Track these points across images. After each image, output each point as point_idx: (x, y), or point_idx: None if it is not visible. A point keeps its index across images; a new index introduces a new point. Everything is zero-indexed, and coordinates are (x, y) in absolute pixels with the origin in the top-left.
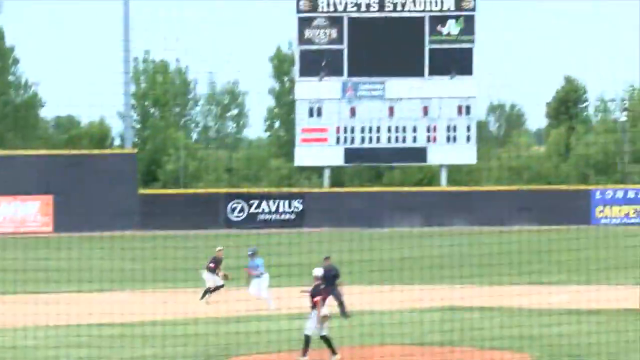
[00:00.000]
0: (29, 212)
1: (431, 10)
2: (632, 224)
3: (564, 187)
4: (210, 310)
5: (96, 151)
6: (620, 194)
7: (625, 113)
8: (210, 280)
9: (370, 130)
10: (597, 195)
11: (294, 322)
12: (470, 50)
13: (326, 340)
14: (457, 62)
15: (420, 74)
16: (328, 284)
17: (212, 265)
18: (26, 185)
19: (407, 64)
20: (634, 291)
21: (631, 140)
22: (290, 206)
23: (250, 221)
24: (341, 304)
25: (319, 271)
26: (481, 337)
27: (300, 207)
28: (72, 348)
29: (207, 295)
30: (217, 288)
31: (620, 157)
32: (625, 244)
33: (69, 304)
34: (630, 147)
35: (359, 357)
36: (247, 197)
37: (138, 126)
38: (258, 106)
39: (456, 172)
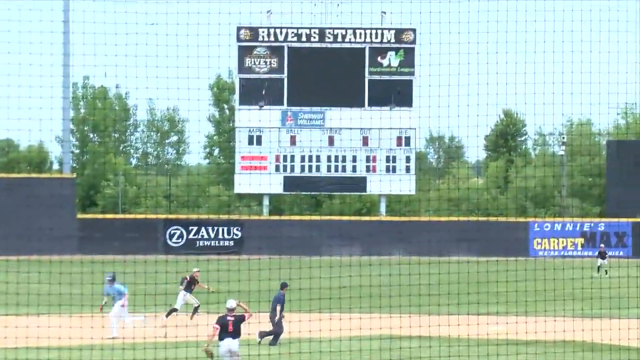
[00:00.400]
0: None
1: (371, 42)
2: (570, 256)
3: (502, 219)
4: (156, 334)
5: (35, 175)
6: (558, 227)
7: (563, 147)
8: (181, 300)
9: (310, 159)
10: (536, 228)
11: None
12: (410, 82)
13: None
14: (396, 94)
15: (360, 104)
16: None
17: (186, 283)
18: None
19: (347, 94)
20: (571, 323)
21: (569, 174)
22: (229, 233)
23: (189, 247)
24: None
25: (230, 303)
26: None
27: (239, 234)
28: None
29: (172, 315)
30: (195, 310)
31: (558, 190)
32: (563, 276)
33: (5, 327)
34: (568, 180)
35: None
36: (185, 223)
37: (77, 151)
38: (198, 133)
39: (395, 202)
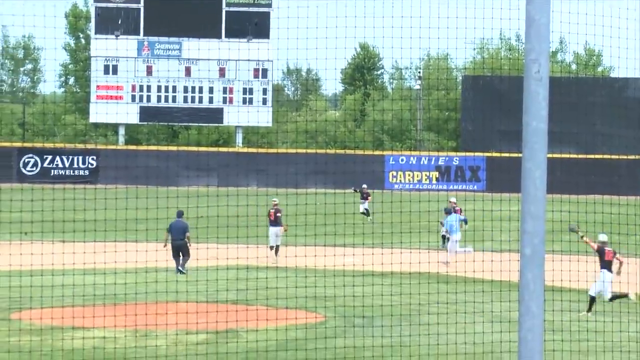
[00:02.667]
0: None
1: None
2: (425, 189)
3: (359, 152)
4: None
5: None
6: (413, 160)
7: (419, 81)
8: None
9: (167, 89)
10: (391, 161)
11: (88, 277)
12: (267, 14)
13: None
14: (254, 25)
15: (217, 35)
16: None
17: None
18: None
19: (204, 25)
20: (426, 255)
21: (424, 108)
22: (84, 162)
23: (44, 176)
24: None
25: None
26: (275, 296)
27: (95, 163)
28: None
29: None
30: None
31: (413, 124)
32: (418, 209)
33: None
34: (424, 114)
35: (152, 313)
36: (40, 152)
37: None
38: (53, 62)
39: (252, 134)
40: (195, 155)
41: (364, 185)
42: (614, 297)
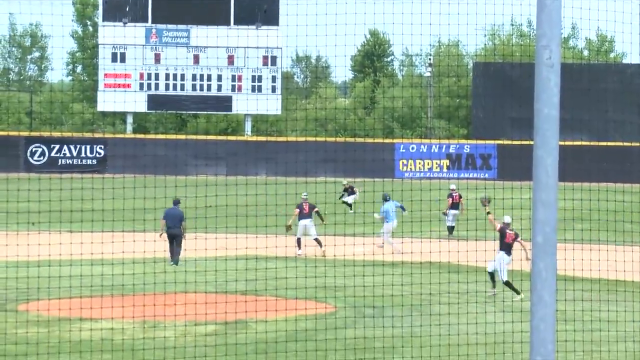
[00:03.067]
0: None
1: None
2: (435, 178)
3: (369, 140)
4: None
5: None
6: (424, 148)
7: (430, 68)
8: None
9: (175, 77)
10: (401, 149)
11: (96, 268)
12: (276, 1)
13: None
14: (262, 12)
15: (226, 23)
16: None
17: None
18: None
19: (212, 12)
20: (436, 244)
21: (435, 96)
22: (92, 151)
23: (51, 165)
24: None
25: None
26: (285, 286)
27: (103, 152)
28: None
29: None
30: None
31: (424, 111)
32: (428, 197)
33: None
34: (434, 102)
35: (161, 304)
36: (47, 141)
37: None
38: (60, 49)
39: (261, 122)
40: (204, 144)
41: (345, 182)
42: (509, 285)
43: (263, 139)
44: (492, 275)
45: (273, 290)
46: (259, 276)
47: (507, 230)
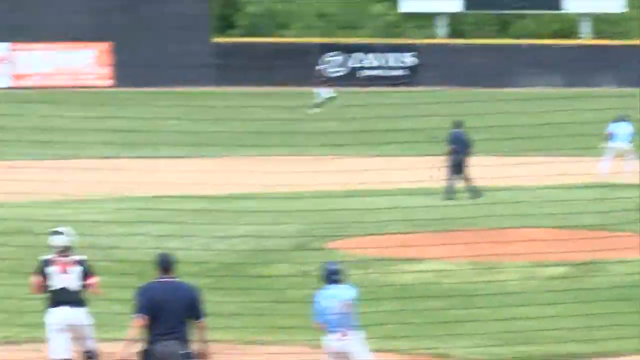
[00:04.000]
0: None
1: None
2: None
3: None
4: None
5: None
6: None
7: None
8: None
9: None
10: None
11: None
12: None
13: None
14: None
15: None
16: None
17: None
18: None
19: None
20: None
21: None
22: (398, 60)
23: (350, 78)
24: (468, 180)
25: None
26: None
27: (411, 61)
28: (149, 224)
29: None
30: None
31: None
32: None
33: (139, 172)
34: None
35: (496, 241)
36: (345, 49)
37: None
38: None
39: (602, 23)
40: (533, 49)
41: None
42: None
43: (605, 42)
44: None
45: (628, 224)
46: (610, 207)
47: None
